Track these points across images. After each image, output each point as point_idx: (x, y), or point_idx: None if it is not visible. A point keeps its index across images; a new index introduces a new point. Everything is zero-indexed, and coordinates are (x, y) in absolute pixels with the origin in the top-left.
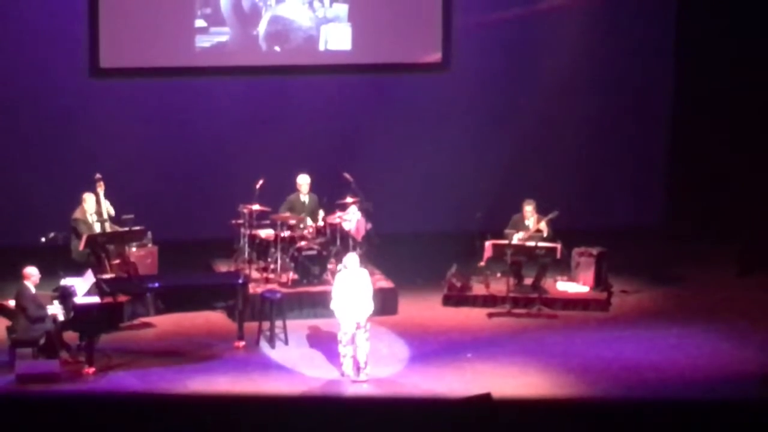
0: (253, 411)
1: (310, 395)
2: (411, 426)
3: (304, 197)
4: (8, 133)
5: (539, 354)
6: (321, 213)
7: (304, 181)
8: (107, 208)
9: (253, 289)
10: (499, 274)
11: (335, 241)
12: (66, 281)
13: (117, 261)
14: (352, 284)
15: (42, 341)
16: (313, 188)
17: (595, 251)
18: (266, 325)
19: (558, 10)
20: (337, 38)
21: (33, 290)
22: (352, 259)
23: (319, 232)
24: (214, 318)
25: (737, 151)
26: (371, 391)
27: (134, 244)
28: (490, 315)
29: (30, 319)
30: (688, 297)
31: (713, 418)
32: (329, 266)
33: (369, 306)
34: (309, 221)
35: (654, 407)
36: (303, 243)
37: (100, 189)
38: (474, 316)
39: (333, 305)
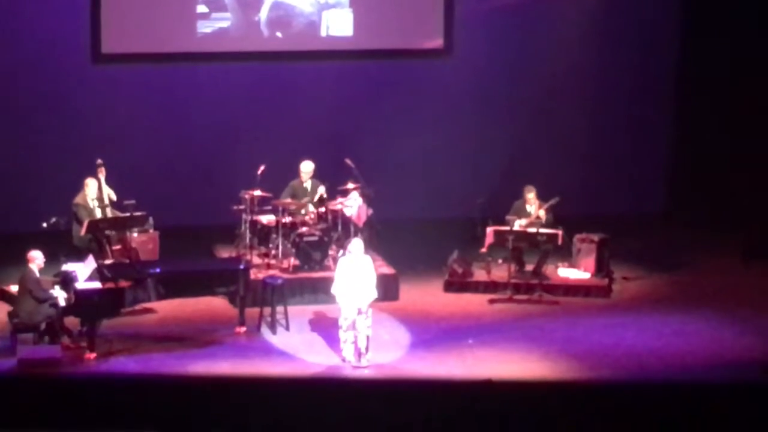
0: (251, 393)
1: (309, 377)
2: (412, 408)
3: (306, 183)
4: (10, 118)
5: (540, 340)
6: (322, 189)
7: (307, 168)
8: (109, 193)
9: (254, 274)
10: (500, 261)
11: (336, 227)
12: (67, 266)
13: (118, 246)
14: (355, 270)
15: (43, 326)
16: (315, 174)
17: (596, 237)
18: (267, 310)
19: None
20: (339, 24)
21: (37, 273)
22: (356, 244)
23: (320, 218)
24: (216, 303)
25: (741, 138)
26: (372, 377)
27: (136, 229)
28: (492, 301)
29: (38, 300)
30: (689, 283)
31: (712, 400)
32: (330, 252)
33: (371, 292)
34: (311, 207)
35: (652, 390)
36: (304, 229)
37: (102, 174)
38: (475, 302)
39: (334, 290)
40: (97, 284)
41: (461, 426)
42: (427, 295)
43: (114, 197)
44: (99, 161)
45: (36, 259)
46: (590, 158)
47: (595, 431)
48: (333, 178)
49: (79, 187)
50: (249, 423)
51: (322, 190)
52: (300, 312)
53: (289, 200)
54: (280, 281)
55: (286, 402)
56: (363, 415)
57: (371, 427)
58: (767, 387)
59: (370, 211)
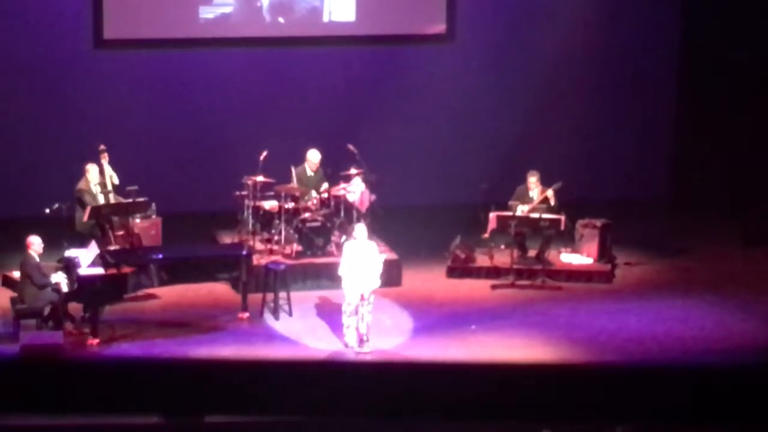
0: (255, 376)
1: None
2: (413, 390)
3: (310, 173)
4: (12, 103)
5: (543, 326)
6: (325, 184)
7: (314, 157)
8: (111, 176)
9: (257, 260)
10: (503, 246)
11: (339, 213)
12: (70, 252)
13: (121, 232)
14: (359, 256)
15: (46, 312)
16: (321, 163)
17: (599, 223)
18: (270, 296)
19: None
20: (342, 9)
21: (37, 259)
22: (360, 230)
23: (323, 203)
24: (218, 289)
25: (743, 122)
26: (373, 361)
27: (138, 215)
28: (494, 287)
29: (37, 286)
30: (692, 269)
31: (714, 385)
32: (333, 238)
33: (375, 279)
34: (314, 193)
35: (654, 375)
36: (307, 214)
37: (104, 160)
38: (478, 287)
39: (341, 271)
40: (99, 270)
41: (463, 410)
42: (429, 280)
43: (117, 181)
44: (101, 147)
45: (34, 244)
46: (593, 143)
47: (596, 416)
48: (336, 164)
49: (81, 172)
50: (253, 406)
51: (326, 185)
52: (303, 298)
53: (291, 185)
54: (282, 267)
55: (291, 385)
56: (363, 398)
57: (371, 408)
58: None
59: (373, 197)
